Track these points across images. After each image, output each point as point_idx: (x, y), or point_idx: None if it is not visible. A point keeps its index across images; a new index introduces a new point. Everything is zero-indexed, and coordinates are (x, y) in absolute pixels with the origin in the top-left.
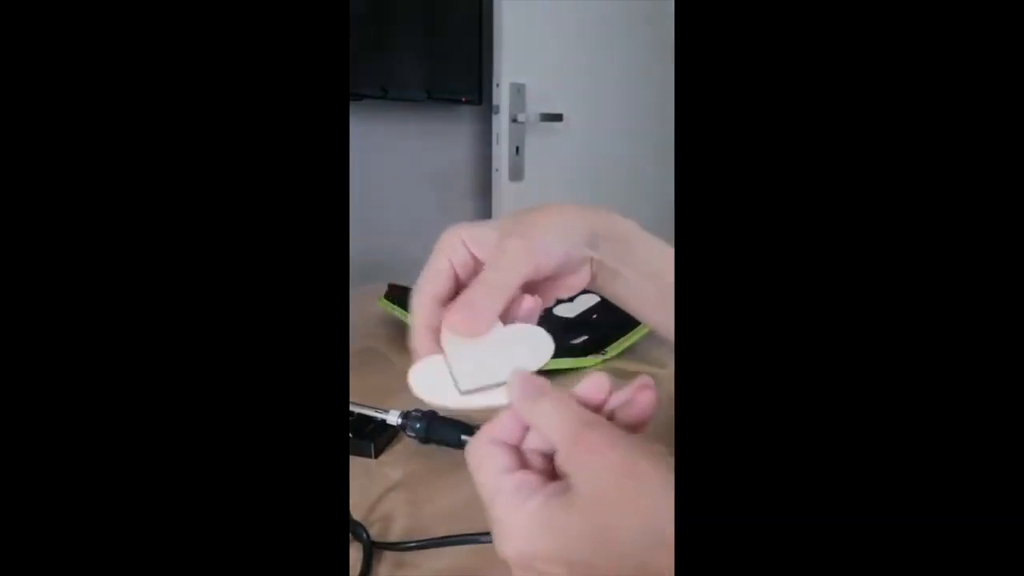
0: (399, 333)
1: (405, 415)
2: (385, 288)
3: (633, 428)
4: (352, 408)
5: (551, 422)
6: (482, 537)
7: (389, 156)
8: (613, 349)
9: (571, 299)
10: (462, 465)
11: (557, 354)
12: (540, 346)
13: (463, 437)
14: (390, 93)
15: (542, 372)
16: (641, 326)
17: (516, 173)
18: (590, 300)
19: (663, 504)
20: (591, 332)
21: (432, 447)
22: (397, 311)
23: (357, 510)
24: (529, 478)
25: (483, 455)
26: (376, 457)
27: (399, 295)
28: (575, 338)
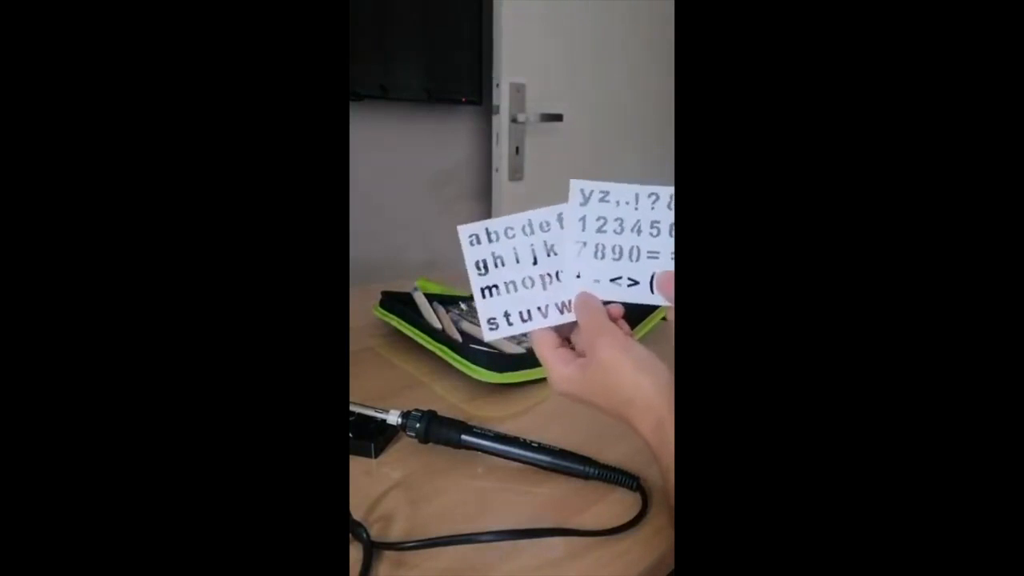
0: (398, 334)
1: (405, 415)
2: (384, 286)
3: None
4: (352, 408)
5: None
6: (482, 537)
7: (389, 156)
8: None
9: None
10: (462, 465)
11: None
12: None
13: (463, 437)
14: (390, 93)
15: None
16: (654, 314)
17: (516, 173)
18: None
19: (640, 372)
20: None
21: (432, 447)
22: (392, 320)
23: (357, 510)
24: (566, 352)
25: (542, 336)
26: (376, 457)
27: (392, 302)
28: None
